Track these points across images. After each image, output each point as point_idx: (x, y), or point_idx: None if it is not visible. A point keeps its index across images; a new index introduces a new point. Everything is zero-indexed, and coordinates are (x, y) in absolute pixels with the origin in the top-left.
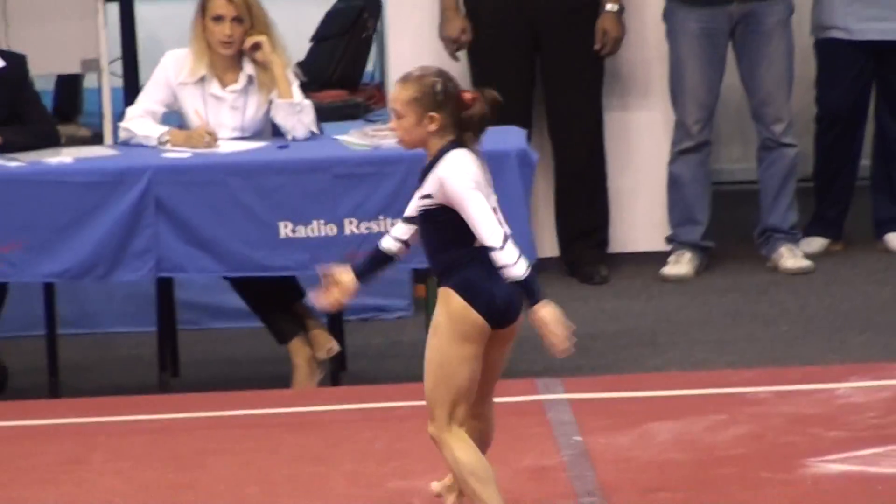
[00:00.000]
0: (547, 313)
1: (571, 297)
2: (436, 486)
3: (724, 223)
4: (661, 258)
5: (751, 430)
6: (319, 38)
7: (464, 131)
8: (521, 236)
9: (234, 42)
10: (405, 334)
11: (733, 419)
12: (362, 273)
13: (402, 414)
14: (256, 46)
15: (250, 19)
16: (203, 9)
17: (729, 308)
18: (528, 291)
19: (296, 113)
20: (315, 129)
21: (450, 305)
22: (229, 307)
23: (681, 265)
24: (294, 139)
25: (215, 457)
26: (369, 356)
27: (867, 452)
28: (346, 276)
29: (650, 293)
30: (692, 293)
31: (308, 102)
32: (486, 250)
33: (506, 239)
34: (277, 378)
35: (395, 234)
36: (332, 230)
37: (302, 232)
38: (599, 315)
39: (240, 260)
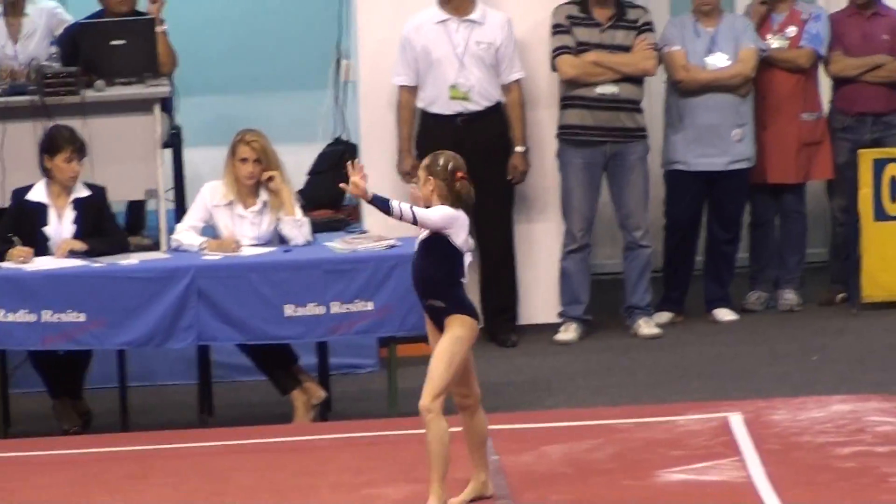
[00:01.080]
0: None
1: (491, 356)
2: (453, 501)
3: (599, 303)
4: (554, 328)
5: (617, 450)
6: (314, 172)
7: (456, 204)
8: None
9: (254, 177)
10: (374, 384)
11: (605, 443)
12: (375, 198)
13: (372, 440)
14: (271, 179)
15: (267, 160)
16: (233, 153)
17: (603, 363)
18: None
19: (298, 227)
20: (311, 238)
21: (469, 326)
22: (249, 366)
23: (568, 333)
24: (296, 245)
25: (238, 473)
26: (348, 400)
27: (700, 465)
28: (363, 183)
29: (546, 353)
30: (577, 353)
31: (306, 219)
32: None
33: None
34: (282, 416)
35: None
36: (321, 310)
37: (301, 311)
38: (511, 369)
39: (257, 332)
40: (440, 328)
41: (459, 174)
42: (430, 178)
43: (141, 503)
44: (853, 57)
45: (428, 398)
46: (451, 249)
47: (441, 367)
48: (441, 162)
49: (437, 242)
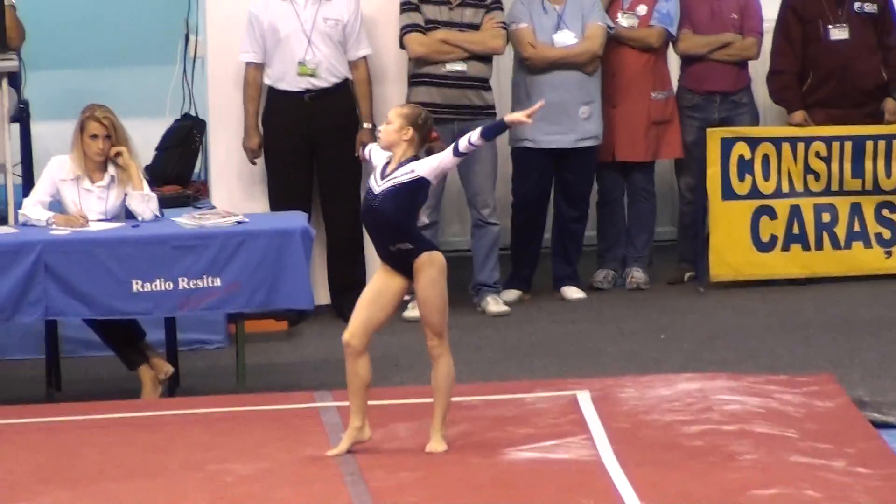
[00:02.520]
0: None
1: (338, 334)
2: (332, 453)
3: (448, 280)
4: (403, 305)
5: (465, 428)
6: (162, 147)
7: (414, 149)
8: (303, 290)
9: (104, 153)
10: (222, 360)
11: (452, 420)
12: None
13: (220, 416)
14: (119, 154)
15: (116, 136)
16: (82, 128)
17: (451, 340)
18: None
19: (146, 202)
20: (158, 214)
21: (438, 262)
22: (97, 341)
23: (416, 310)
24: (143, 221)
25: (86, 448)
26: (196, 376)
27: (549, 443)
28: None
29: (395, 330)
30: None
31: (154, 194)
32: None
33: None
34: (130, 392)
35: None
36: (169, 286)
37: (149, 287)
38: None
39: (104, 307)
40: (404, 272)
41: (435, 134)
42: (410, 127)
43: None
44: (702, 35)
45: (438, 344)
46: (423, 196)
47: (435, 313)
48: (423, 116)
49: (414, 188)
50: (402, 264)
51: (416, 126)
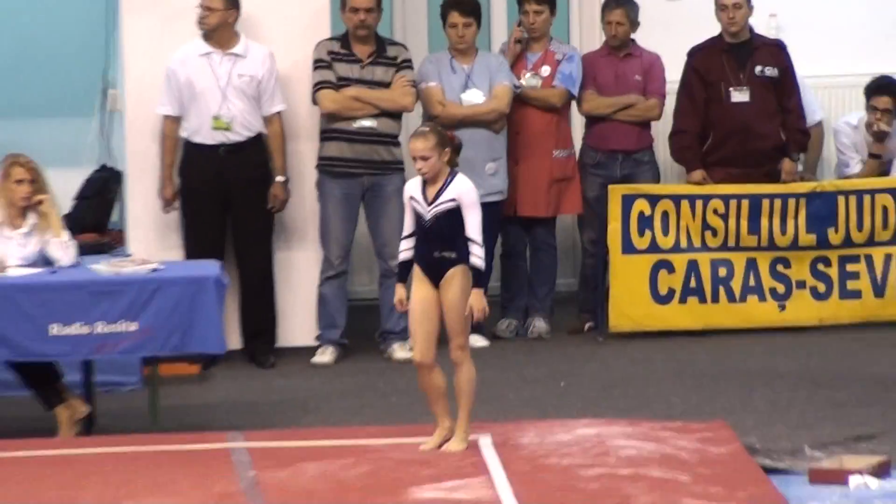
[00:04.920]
0: (480, 296)
1: (249, 377)
2: (425, 447)
3: (355, 327)
4: (312, 351)
5: (370, 468)
6: (80, 197)
7: (452, 162)
8: (215, 335)
9: (28, 197)
10: (136, 401)
11: (359, 461)
12: (404, 279)
13: (134, 455)
14: (40, 202)
15: (39, 182)
16: (6, 175)
17: (358, 385)
18: (480, 277)
19: (65, 248)
20: (77, 260)
21: (467, 276)
22: (15, 381)
23: (325, 355)
24: (62, 266)
25: (2, 485)
26: (111, 416)
27: (450, 483)
28: (401, 291)
29: (304, 374)
30: (333, 374)
31: (73, 241)
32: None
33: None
34: (47, 431)
35: (407, 247)
36: (87, 329)
37: (66, 330)
38: (269, 389)
39: (22, 349)
40: (434, 280)
41: (450, 133)
42: (446, 149)
43: None
44: (606, 96)
45: (457, 349)
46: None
47: (459, 319)
48: (439, 130)
49: (457, 211)
50: (438, 271)
51: (446, 143)
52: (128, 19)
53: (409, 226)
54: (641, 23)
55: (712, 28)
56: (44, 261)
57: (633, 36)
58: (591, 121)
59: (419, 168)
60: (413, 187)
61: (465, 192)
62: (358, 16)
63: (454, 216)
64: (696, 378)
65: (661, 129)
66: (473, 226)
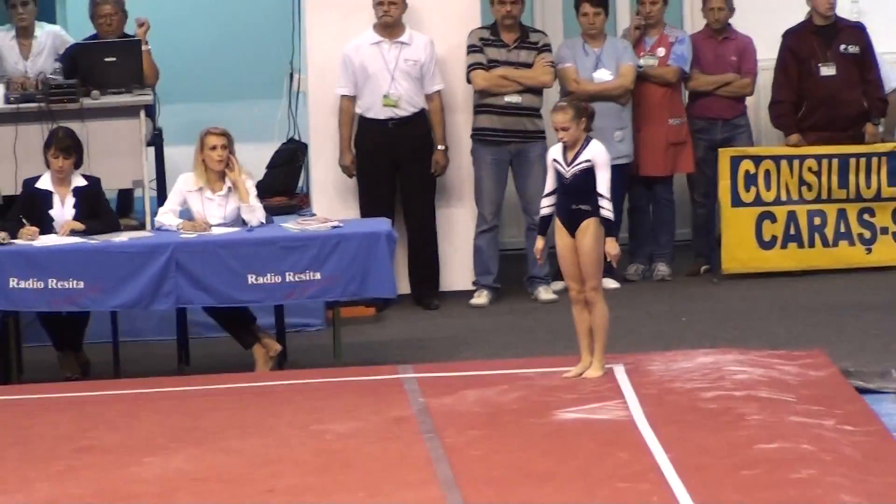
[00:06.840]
0: (614, 243)
1: (416, 317)
2: (568, 374)
3: (506, 274)
4: (469, 294)
5: (522, 394)
6: (271, 166)
7: (587, 129)
8: (387, 281)
9: (224, 159)
10: (321, 339)
11: (512, 388)
12: (544, 232)
13: (320, 386)
14: (231, 167)
15: (230, 147)
16: (202, 145)
17: (510, 323)
18: (610, 226)
19: (251, 212)
20: (264, 220)
21: (599, 227)
22: (213, 324)
23: (481, 298)
24: (252, 227)
25: (211, 412)
26: (300, 353)
27: (591, 406)
28: (540, 242)
29: (463, 314)
30: (488, 314)
31: (258, 204)
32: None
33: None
34: (246, 366)
35: (548, 204)
36: (278, 279)
37: (261, 280)
38: (434, 328)
39: (225, 296)
40: (571, 230)
41: (584, 104)
42: (582, 119)
43: (132, 437)
44: (707, 74)
45: (593, 289)
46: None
47: (593, 263)
48: (576, 101)
49: (591, 169)
50: (574, 222)
51: (582, 114)
52: (311, 14)
53: (550, 185)
54: (736, 9)
55: (796, 12)
56: (241, 220)
57: (730, 21)
58: (694, 95)
59: (560, 137)
60: (556, 151)
61: (598, 154)
62: (505, 7)
63: (589, 175)
64: (797, 312)
65: (755, 100)
66: (603, 183)
